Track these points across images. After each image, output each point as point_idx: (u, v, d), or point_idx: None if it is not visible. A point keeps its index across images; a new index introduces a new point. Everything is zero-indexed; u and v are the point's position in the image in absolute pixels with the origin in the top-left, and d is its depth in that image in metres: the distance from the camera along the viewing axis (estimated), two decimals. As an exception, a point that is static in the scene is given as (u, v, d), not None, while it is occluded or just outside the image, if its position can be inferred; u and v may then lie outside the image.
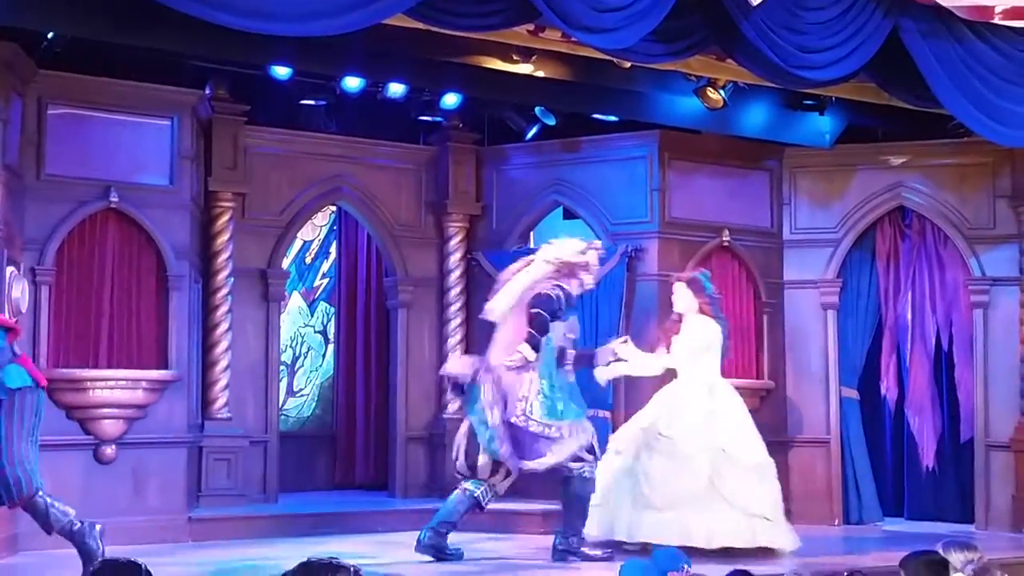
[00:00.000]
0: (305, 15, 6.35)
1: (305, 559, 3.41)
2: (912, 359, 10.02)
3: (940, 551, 4.99)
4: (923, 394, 9.99)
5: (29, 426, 6.29)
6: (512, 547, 8.41)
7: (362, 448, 11.03)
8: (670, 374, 8.46)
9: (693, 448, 7.96)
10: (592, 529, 7.96)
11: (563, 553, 7.70)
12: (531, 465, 7.64)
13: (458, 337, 10.39)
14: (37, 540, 7.83)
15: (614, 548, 7.83)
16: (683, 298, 8.35)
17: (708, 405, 8.16)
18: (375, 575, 6.50)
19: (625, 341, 8.29)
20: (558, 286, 7.82)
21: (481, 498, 7.77)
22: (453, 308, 10.40)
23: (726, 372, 8.67)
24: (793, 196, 10.31)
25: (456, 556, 7.68)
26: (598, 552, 7.72)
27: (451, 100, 9.91)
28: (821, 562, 7.62)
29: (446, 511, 7.76)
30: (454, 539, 7.76)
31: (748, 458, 8.07)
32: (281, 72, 9.15)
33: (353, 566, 3.44)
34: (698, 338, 8.26)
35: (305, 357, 11.35)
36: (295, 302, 11.21)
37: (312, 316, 11.40)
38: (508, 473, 7.77)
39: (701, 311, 8.32)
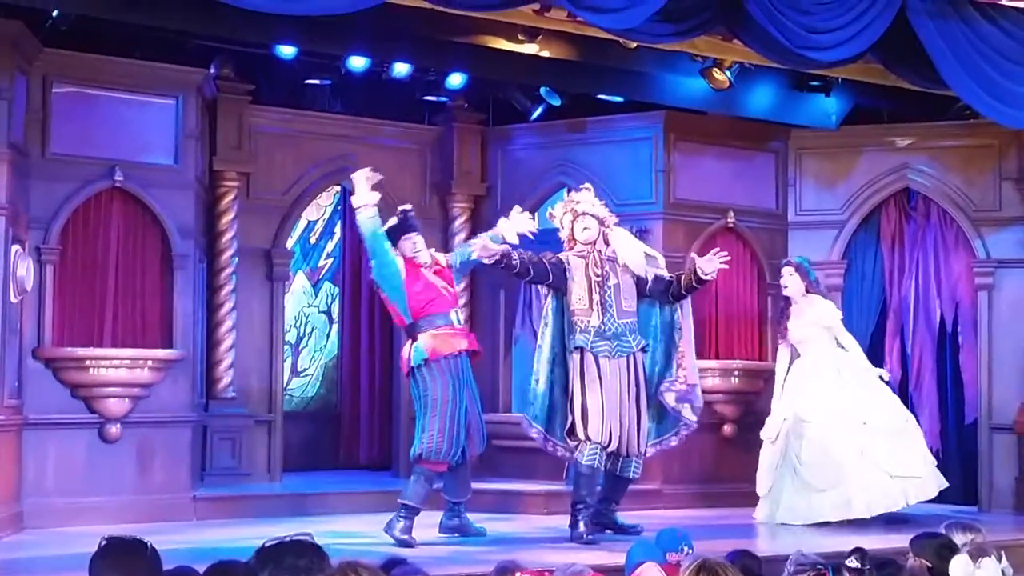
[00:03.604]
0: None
1: (261, 544, 3.34)
2: (916, 341, 10.00)
3: (943, 531, 5.01)
4: (927, 376, 9.98)
5: None
6: (513, 527, 8.42)
7: (366, 428, 11.04)
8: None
9: (837, 428, 8.58)
10: (760, 514, 8.77)
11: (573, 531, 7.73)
12: None
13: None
14: (42, 518, 7.89)
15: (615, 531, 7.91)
16: (794, 282, 8.93)
17: (838, 383, 8.74)
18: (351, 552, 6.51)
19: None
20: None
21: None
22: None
23: (732, 353, 8.69)
24: (798, 177, 10.28)
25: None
26: (586, 535, 7.65)
27: (456, 80, 9.88)
28: (824, 542, 7.62)
29: None
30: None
31: (889, 424, 8.70)
32: (286, 51, 9.14)
33: (311, 540, 3.36)
34: (818, 316, 8.84)
35: (309, 337, 11.36)
36: (299, 282, 11.22)
37: (316, 296, 11.41)
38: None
39: (808, 292, 8.90)
